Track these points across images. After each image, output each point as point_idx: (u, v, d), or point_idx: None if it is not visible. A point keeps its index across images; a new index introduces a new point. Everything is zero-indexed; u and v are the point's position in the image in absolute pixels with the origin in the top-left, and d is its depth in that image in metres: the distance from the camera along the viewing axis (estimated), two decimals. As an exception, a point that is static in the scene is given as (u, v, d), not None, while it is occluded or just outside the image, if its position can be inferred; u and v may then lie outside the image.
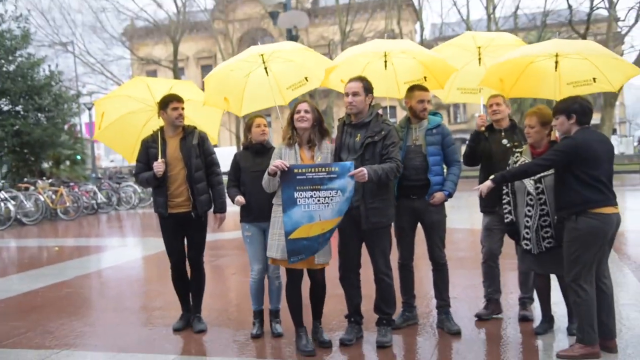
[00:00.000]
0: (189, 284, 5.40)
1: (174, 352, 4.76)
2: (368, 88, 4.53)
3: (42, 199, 16.70)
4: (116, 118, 5.47)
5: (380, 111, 4.63)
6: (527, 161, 4.46)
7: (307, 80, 5.38)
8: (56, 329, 5.58)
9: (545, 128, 4.43)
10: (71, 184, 18.81)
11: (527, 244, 4.47)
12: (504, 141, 4.97)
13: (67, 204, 17.09)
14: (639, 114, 61.60)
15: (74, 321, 5.82)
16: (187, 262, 5.38)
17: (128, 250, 11.11)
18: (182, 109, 5.08)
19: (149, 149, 5.14)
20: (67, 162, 24.62)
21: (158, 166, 4.99)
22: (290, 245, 4.26)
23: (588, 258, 4.07)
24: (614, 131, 43.17)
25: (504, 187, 4.63)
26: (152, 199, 18.55)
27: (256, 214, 4.82)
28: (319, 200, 4.21)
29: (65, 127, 24.18)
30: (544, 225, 4.38)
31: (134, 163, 5.38)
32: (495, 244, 5.05)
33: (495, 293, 5.12)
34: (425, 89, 4.92)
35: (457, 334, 4.76)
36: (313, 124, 4.50)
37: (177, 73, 34.57)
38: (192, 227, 5.19)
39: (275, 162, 4.28)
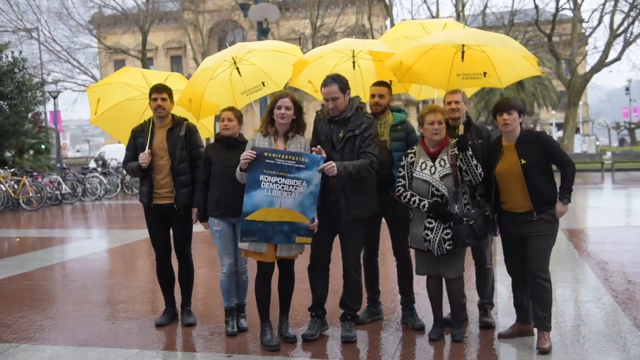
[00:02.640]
0: (173, 278, 5.33)
1: (137, 346, 4.68)
2: (343, 87, 4.49)
3: (4, 188, 16.30)
4: (115, 104, 5.43)
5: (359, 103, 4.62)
6: (426, 162, 4.38)
7: (263, 85, 5.36)
8: (14, 322, 5.44)
9: (446, 126, 4.40)
10: (34, 173, 18.39)
11: (427, 246, 4.38)
12: (488, 142, 4.69)
13: (30, 194, 16.70)
14: (601, 114, 63.02)
15: (33, 314, 5.69)
16: (172, 255, 5.29)
17: (93, 243, 10.90)
18: (163, 99, 4.98)
19: (137, 139, 5.12)
20: (31, 152, 24.08)
21: (143, 157, 4.95)
22: (245, 226, 4.28)
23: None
24: (577, 130, 44.05)
25: (400, 188, 4.46)
26: (119, 189, 18.26)
27: (226, 208, 4.73)
28: (282, 188, 4.24)
29: (29, 115, 23.63)
30: (445, 227, 4.31)
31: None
32: None
33: (462, 298, 4.96)
34: (381, 84, 4.86)
35: (421, 329, 4.79)
36: (293, 118, 4.49)
37: (146, 63, 34.05)
38: (176, 219, 5.12)
39: (244, 156, 4.27)
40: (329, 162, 4.21)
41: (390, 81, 5.06)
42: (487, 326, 4.79)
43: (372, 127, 4.46)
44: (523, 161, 4.25)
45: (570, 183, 4.28)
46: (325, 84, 4.47)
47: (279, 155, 4.28)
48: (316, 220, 4.33)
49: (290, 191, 4.24)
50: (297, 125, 4.53)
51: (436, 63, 4.74)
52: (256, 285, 4.60)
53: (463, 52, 4.49)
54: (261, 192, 4.24)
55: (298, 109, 4.50)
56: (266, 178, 4.23)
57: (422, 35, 5.50)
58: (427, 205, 4.32)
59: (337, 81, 4.45)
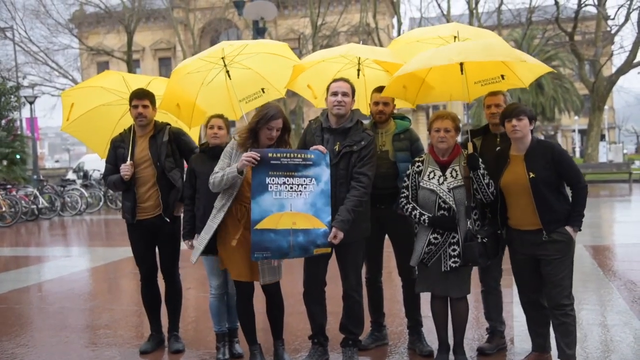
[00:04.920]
0: (159, 300, 5.34)
1: (119, 375, 4.69)
2: (353, 91, 4.59)
3: (-25, 202, 16.32)
4: (89, 110, 5.43)
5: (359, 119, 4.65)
6: (435, 171, 4.38)
7: (263, 92, 5.39)
8: (-15, 349, 5.44)
9: (457, 133, 4.42)
10: (8, 186, 18.43)
11: (425, 259, 4.38)
12: (499, 148, 4.59)
13: (3, 209, 16.69)
14: (629, 119, 63.10)
15: (4, 341, 5.68)
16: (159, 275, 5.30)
17: (72, 262, 10.89)
18: (144, 107, 4.98)
19: (117, 149, 5.12)
20: (5, 162, 24.09)
21: (125, 169, 4.95)
22: (256, 237, 4.26)
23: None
24: (603, 137, 44.08)
25: (403, 199, 4.47)
26: (102, 202, 18.20)
27: (212, 224, 4.76)
28: (291, 188, 4.30)
29: (3, 122, 23.72)
30: (452, 242, 4.32)
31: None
32: (495, 265, 4.76)
33: (500, 324, 4.95)
34: (383, 91, 4.86)
35: (430, 355, 4.78)
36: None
37: (132, 65, 34.21)
38: (163, 234, 5.13)
39: (247, 156, 4.27)
40: (333, 235, 4.27)
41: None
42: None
43: (372, 145, 4.49)
44: (532, 175, 4.14)
45: (582, 208, 4.18)
46: (336, 80, 4.58)
47: (284, 155, 4.35)
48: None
49: (299, 191, 4.31)
50: (278, 143, 4.54)
51: (447, 76, 4.73)
52: (237, 306, 4.66)
53: (462, 65, 4.47)
54: (269, 195, 4.29)
55: (285, 129, 4.54)
56: (273, 180, 4.30)
57: (432, 38, 5.48)
58: (427, 220, 4.33)
59: (349, 82, 4.58)
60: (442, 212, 4.32)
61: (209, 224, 4.49)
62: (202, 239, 4.52)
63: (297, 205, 4.30)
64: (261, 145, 4.50)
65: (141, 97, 5.00)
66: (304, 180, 4.32)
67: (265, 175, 4.30)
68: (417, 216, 4.37)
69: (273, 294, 4.64)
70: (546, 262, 4.20)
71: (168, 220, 5.04)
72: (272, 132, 4.44)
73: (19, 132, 26.21)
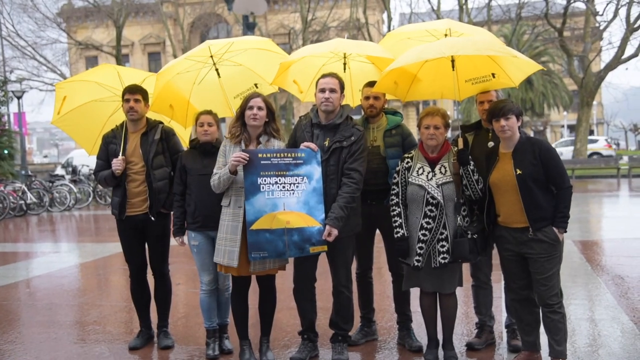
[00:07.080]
0: (149, 296, 5.33)
1: (108, 372, 4.68)
2: (342, 86, 4.59)
3: (-37, 198, 16.21)
4: (80, 104, 5.40)
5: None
6: (424, 167, 4.40)
7: (256, 87, 5.38)
8: (-27, 346, 5.41)
9: (446, 130, 4.44)
10: (-4, 181, 18.30)
11: (418, 260, 4.35)
12: (490, 143, 4.59)
13: (-9, 205, 16.63)
14: (617, 115, 63.45)
15: (-6, 337, 5.66)
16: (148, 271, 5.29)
17: (61, 257, 10.84)
18: (136, 101, 4.98)
19: (109, 145, 5.11)
20: (-8, 157, 23.95)
21: (117, 164, 4.94)
22: (252, 238, 4.28)
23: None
24: (591, 132, 44.33)
25: (393, 197, 4.49)
26: (91, 198, 18.09)
27: (203, 221, 4.75)
28: (284, 187, 4.32)
29: (-10, 117, 23.54)
30: (441, 239, 4.33)
31: (94, 156, 5.35)
32: (486, 260, 4.81)
33: (489, 319, 4.97)
34: (374, 85, 4.85)
35: (419, 350, 4.79)
36: (265, 121, 4.52)
37: (121, 60, 34.00)
38: (152, 231, 5.12)
39: (236, 157, 4.27)
40: (327, 232, 4.31)
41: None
42: (517, 350, 4.65)
43: (362, 140, 4.50)
44: (519, 171, 4.13)
45: (566, 209, 4.16)
46: (324, 76, 4.57)
47: (275, 155, 4.36)
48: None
49: (292, 190, 4.32)
50: (269, 129, 4.57)
51: (438, 74, 4.75)
52: (232, 300, 4.67)
53: (453, 61, 4.50)
54: (262, 195, 4.30)
55: (270, 112, 4.55)
56: (265, 180, 4.31)
57: (424, 35, 5.49)
58: (397, 235, 4.42)
59: (338, 77, 4.58)
60: (430, 207, 4.33)
61: (231, 224, 4.44)
62: (232, 242, 4.42)
63: (290, 204, 4.31)
64: (251, 136, 4.51)
65: (133, 92, 5.00)
66: (296, 179, 4.33)
67: (256, 176, 4.30)
68: (396, 224, 4.44)
69: (267, 287, 4.65)
70: (533, 260, 4.19)
71: (152, 218, 5.03)
72: (253, 110, 4.44)
73: (6, 127, 26.03)
